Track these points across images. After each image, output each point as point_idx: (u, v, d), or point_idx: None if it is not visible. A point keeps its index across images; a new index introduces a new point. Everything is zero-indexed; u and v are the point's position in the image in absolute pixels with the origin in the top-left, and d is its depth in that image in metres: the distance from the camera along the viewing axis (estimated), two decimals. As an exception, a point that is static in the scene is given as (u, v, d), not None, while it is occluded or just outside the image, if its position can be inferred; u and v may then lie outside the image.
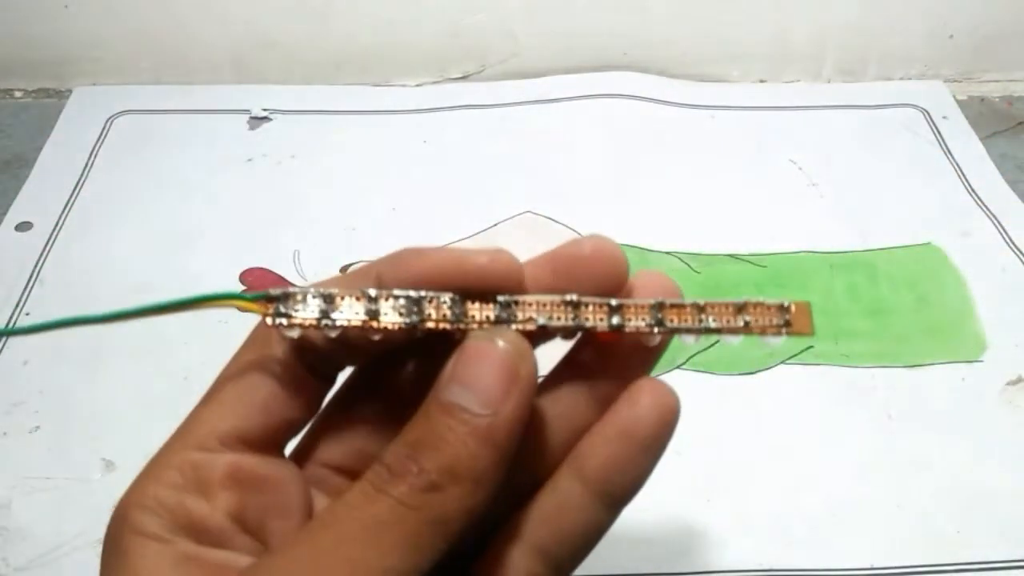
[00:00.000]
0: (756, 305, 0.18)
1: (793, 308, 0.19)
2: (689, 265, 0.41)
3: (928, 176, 0.46)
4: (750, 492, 0.33)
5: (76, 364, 0.36)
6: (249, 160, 0.47)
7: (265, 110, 0.49)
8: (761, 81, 0.53)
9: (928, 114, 0.50)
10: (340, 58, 0.52)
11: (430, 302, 0.17)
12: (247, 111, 0.49)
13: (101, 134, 0.48)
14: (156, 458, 0.18)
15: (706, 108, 0.50)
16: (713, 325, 0.18)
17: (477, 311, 0.18)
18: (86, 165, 0.46)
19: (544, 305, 0.18)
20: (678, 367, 0.37)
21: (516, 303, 0.18)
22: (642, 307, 0.18)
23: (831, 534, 0.32)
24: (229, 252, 0.41)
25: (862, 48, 0.53)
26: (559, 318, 0.18)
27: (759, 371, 0.37)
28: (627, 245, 0.41)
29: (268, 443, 0.18)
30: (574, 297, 0.18)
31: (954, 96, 0.52)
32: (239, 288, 0.40)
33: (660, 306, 0.18)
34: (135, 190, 0.45)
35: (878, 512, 0.32)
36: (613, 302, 0.18)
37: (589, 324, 0.18)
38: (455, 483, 0.16)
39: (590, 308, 0.18)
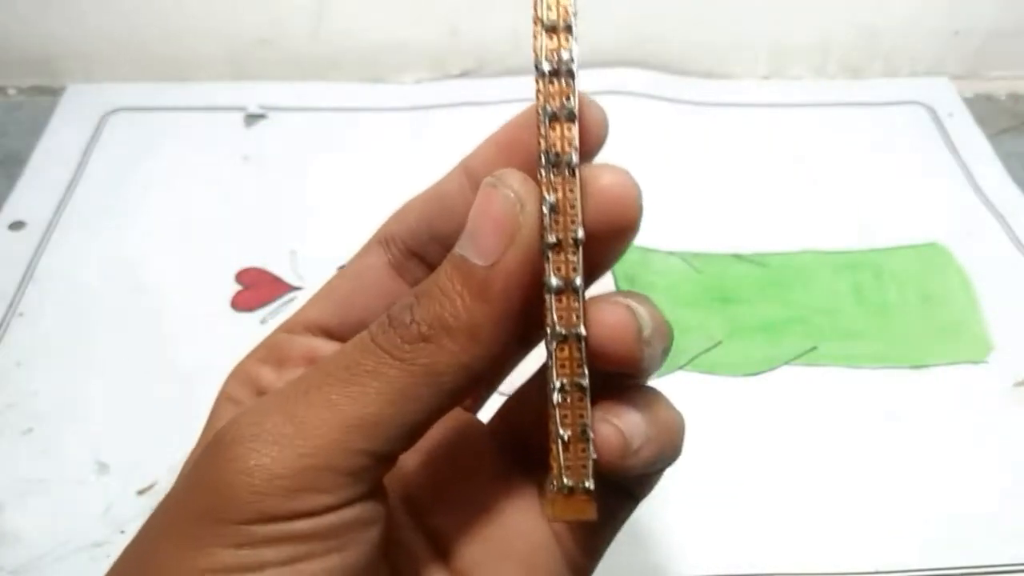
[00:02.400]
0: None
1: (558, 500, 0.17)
2: (691, 265, 0.41)
3: (934, 174, 0.46)
4: (753, 494, 0.33)
5: (69, 365, 0.36)
6: (245, 158, 0.46)
7: (261, 107, 0.49)
8: (765, 78, 0.53)
9: (934, 112, 0.50)
10: (337, 55, 0.51)
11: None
12: (243, 108, 0.49)
13: (95, 132, 0.47)
14: (263, 340, 0.21)
15: (709, 105, 0.50)
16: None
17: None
18: (80, 163, 0.45)
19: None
20: (680, 368, 0.36)
21: None
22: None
23: (834, 536, 0.31)
24: (225, 252, 0.41)
25: (867, 45, 0.52)
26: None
27: (762, 373, 0.36)
28: (628, 244, 0.41)
29: (345, 335, 0.20)
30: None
31: (960, 93, 0.51)
32: (235, 289, 0.39)
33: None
34: (129, 189, 0.44)
35: (882, 514, 0.32)
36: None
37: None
38: (448, 336, 0.15)
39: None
